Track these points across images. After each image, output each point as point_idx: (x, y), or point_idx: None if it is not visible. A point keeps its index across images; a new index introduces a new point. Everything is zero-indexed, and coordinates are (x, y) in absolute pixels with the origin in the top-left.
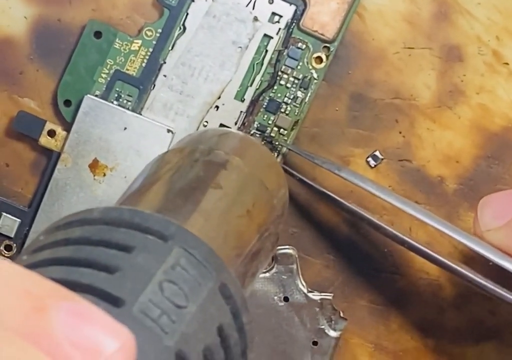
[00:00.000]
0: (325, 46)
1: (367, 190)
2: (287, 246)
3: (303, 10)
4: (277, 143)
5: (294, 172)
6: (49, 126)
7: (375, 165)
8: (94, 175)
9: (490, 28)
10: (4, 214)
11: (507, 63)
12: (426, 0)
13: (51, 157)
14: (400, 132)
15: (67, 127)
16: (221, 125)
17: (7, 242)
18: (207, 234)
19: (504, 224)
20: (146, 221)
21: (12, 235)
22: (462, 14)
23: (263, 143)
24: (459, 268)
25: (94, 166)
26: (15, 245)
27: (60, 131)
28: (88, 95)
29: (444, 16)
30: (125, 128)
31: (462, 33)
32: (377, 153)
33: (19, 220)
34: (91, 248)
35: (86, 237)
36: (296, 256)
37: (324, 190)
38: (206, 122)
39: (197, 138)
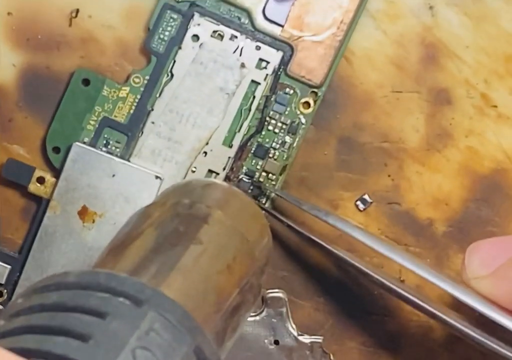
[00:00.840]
0: (312, 91)
1: (354, 237)
2: (277, 290)
3: (290, 56)
4: (265, 188)
5: (283, 218)
6: (38, 173)
7: (364, 209)
8: (83, 222)
9: (478, 71)
10: None
11: (495, 106)
12: (414, 44)
13: (41, 203)
14: (389, 175)
15: (56, 173)
16: (210, 171)
17: None
18: (185, 293)
19: (491, 273)
20: (122, 285)
21: (3, 281)
22: (451, 58)
23: (251, 188)
24: (447, 318)
25: (83, 213)
26: (5, 290)
27: (49, 178)
28: (76, 143)
29: (432, 59)
30: (114, 175)
31: (450, 76)
32: (366, 196)
33: (9, 266)
34: (65, 314)
35: (61, 303)
36: (286, 299)
37: (312, 237)
38: (195, 168)
39: (180, 189)
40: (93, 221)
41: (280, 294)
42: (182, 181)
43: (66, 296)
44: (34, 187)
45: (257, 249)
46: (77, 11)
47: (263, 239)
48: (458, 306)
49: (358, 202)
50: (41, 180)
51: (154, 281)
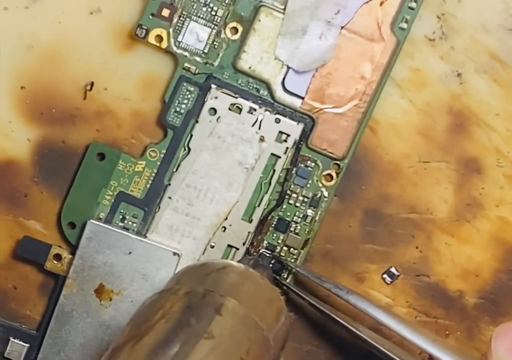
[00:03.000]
0: (335, 163)
1: (375, 318)
2: None
3: (311, 128)
4: (286, 264)
5: (305, 296)
6: (54, 250)
7: (391, 282)
8: (100, 300)
9: (509, 139)
10: (12, 339)
11: None
12: (441, 112)
13: (58, 279)
14: (417, 247)
15: (73, 249)
16: (229, 246)
17: None
18: None
19: None
20: None
21: None
22: (480, 126)
23: (272, 262)
24: None
25: (99, 291)
26: None
27: (66, 255)
28: (91, 221)
29: (461, 128)
30: (130, 252)
31: (479, 145)
32: (393, 269)
33: (27, 345)
34: None
35: None
36: None
37: (334, 316)
38: (214, 243)
39: (194, 273)
40: (110, 299)
41: None
42: (198, 263)
43: None
44: (51, 264)
45: (271, 336)
46: (92, 83)
47: (279, 322)
48: None
49: (385, 275)
50: (58, 257)
51: None
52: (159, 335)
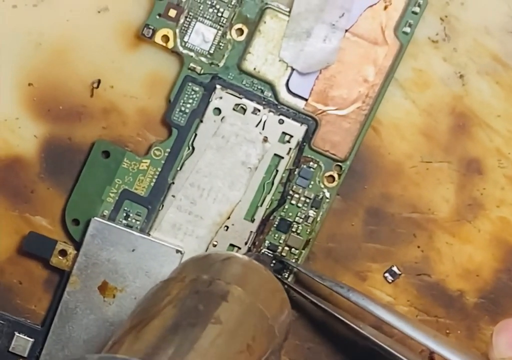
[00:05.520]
0: (337, 165)
1: (376, 315)
2: None
3: (314, 130)
4: (287, 263)
5: (306, 294)
6: (60, 246)
7: (392, 281)
8: (103, 297)
9: (510, 140)
10: (17, 334)
11: None
12: (443, 113)
13: (63, 275)
14: (419, 247)
15: (77, 245)
16: (231, 245)
17: None
18: None
19: None
20: None
21: (26, 355)
22: (481, 127)
23: (273, 262)
24: None
25: (103, 288)
26: None
27: (71, 251)
28: (95, 218)
29: (463, 129)
30: (133, 250)
31: (481, 146)
32: (394, 268)
33: (32, 339)
34: None
35: None
36: None
37: (336, 314)
38: (216, 242)
39: (199, 263)
40: (114, 296)
41: None
42: (202, 254)
43: None
44: (56, 260)
45: (276, 325)
46: (99, 81)
47: (283, 314)
48: None
49: (387, 274)
50: (63, 253)
51: None
52: (167, 319)
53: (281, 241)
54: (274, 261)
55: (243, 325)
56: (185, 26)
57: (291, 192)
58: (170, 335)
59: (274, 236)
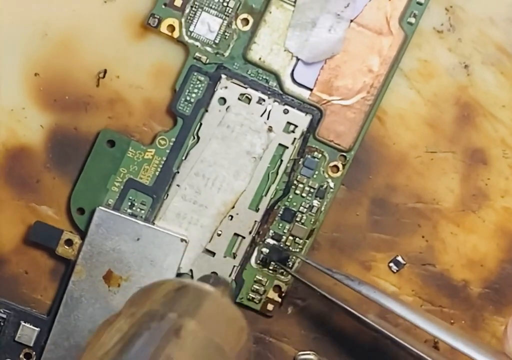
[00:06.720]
0: (341, 155)
1: (388, 308)
2: (308, 352)
3: (319, 120)
4: (292, 254)
5: (313, 286)
6: (66, 235)
7: (397, 270)
8: (108, 286)
9: None
10: (23, 323)
11: None
12: (448, 103)
13: (69, 264)
14: (423, 236)
15: (83, 235)
16: (235, 234)
17: (26, 350)
18: None
19: None
20: None
21: (31, 344)
22: (486, 117)
23: (281, 247)
24: None
25: (108, 277)
26: (34, 353)
27: (77, 241)
28: (100, 207)
29: (467, 119)
30: (138, 239)
31: (486, 136)
32: (399, 258)
33: (38, 329)
34: None
35: None
36: None
37: (342, 304)
38: (220, 231)
39: (152, 294)
40: (119, 285)
41: (311, 356)
42: (155, 283)
43: None
44: (62, 249)
45: (233, 355)
46: (105, 71)
47: (241, 342)
48: None
49: (391, 264)
50: (69, 243)
51: None
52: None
53: (285, 231)
54: (281, 249)
55: None
56: (190, 16)
57: (295, 182)
58: None
59: (279, 225)
